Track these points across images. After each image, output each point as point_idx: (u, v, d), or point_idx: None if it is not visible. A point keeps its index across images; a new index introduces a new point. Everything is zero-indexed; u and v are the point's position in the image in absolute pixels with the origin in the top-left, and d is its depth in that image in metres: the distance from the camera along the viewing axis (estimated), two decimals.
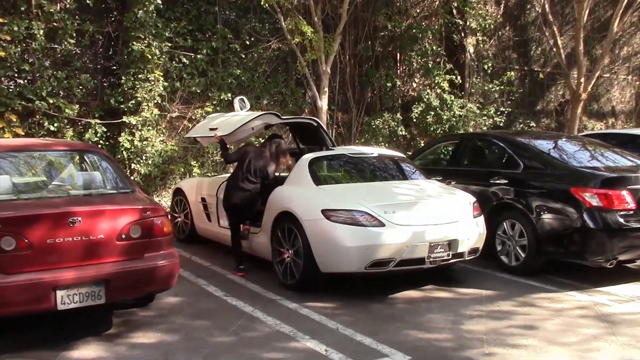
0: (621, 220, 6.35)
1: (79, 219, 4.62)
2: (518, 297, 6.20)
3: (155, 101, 10.18)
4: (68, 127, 9.76)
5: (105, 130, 9.97)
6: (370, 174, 7.13)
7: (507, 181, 7.25)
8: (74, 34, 9.74)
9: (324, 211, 6.02)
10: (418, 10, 13.49)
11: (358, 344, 4.89)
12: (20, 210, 4.57)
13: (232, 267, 7.13)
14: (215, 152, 11.06)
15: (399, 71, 13.32)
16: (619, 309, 5.84)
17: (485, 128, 13.75)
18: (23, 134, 9.22)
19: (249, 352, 4.72)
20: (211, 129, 7.49)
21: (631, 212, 6.41)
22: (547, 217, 6.71)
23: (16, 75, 9.45)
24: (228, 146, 7.41)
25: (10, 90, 9.23)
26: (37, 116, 9.50)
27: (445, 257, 6.20)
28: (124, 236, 4.82)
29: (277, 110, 11.75)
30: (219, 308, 5.85)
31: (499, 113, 14.21)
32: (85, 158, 5.80)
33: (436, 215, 6.20)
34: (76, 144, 7.27)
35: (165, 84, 10.31)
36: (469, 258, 6.51)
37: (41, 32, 9.28)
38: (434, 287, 6.53)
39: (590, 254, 6.48)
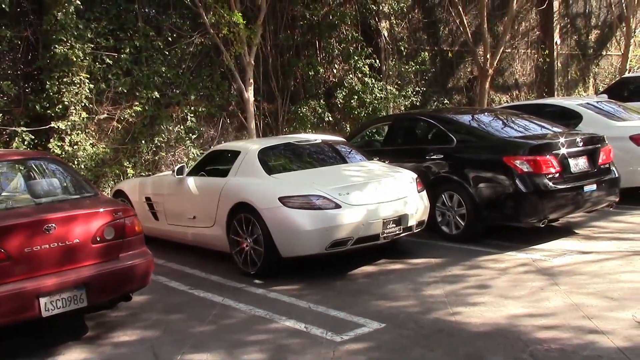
0: (549, 183, 6.97)
1: (54, 225, 4.67)
2: (465, 261, 6.70)
3: (83, 104, 10.02)
4: None
5: (32, 137, 9.71)
6: (318, 160, 7.43)
7: (442, 156, 7.73)
8: None
9: (281, 198, 6.26)
10: None
11: (333, 318, 5.21)
12: None
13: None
14: (147, 152, 11.02)
15: (319, 58, 13.63)
16: (554, 262, 6.44)
17: (403, 108, 14.36)
18: None
19: (233, 337, 4.94)
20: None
21: (557, 175, 7.06)
22: (483, 185, 7.26)
23: None
24: None
25: None
26: None
27: (397, 232, 6.62)
28: (98, 239, 4.90)
29: (205, 105, 11.87)
30: (188, 301, 6.00)
31: (414, 93, 14.84)
32: (42, 166, 5.76)
33: (386, 193, 6.59)
34: (29, 152, 7.15)
35: (91, 86, 10.15)
36: (416, 231, 6.96)
37: None
38: (387, 261, 6.94)
39: (524, 216, 7.08)
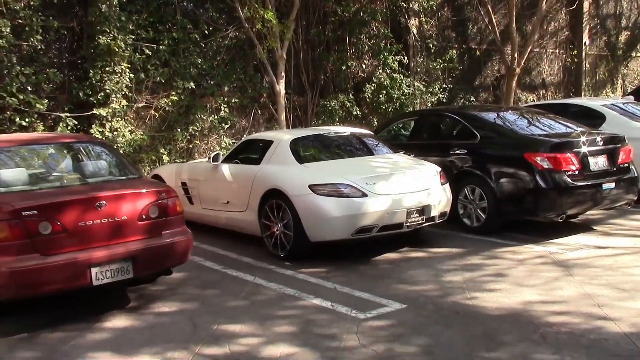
0: (568, 179, 7.26)
1: (105, 202, 5.11)
2: (484, 252, 7.02)
3: (123, 92, 10.51)
4: (38, 121, 9.99)
5: (75, 122, 10.23)
6: (346, 151, 7.80)
7: (465, 151, 8.04)
8: (40, 30, 9.93)
9: (311, 186, 6.64)
10: None
11: (358, 298, 5.59)
12: (53, 198, 5.02)
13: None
14: (182, 139, 11.50)
15: (349, 54, 13.99)
16: (570, 255, 6.74)
17: (430, 104, 14.65)
18: None
19: (264, 311, 5.34)
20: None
21: (576, 172, 7.33)
22: (504, 180, 7.56)
23: None
24: None
25: None
26: (8, 112, 9.68)
27: (420, 221, 6.96)
28: (144, 216, 5.34)
29: (237, 96, 12.31)
30: (222, 279, 6.42)
31: (441, 90, 15.12)
32: (91, 148, 6.22)
33: (410, 184, 6.93)
34: (80, 136, 7.66)
35: (132, 75, 10.64)
36: (439, 221, 7.29)
37: (7, 29, 9.44)
38: (409, 249, 7.29)
39: (543, 211, 7.37)
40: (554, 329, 4.69)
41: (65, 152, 6.10)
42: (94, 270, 4.98)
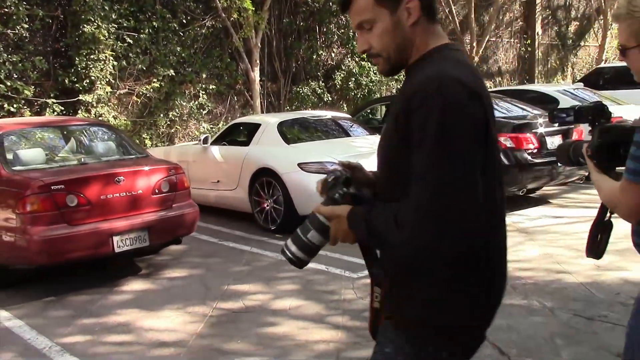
0: (528, 157, 8.08)
1: (123, 178, 5.66)
2: None
3: (107, 79, 10.93)
4: (25, 107, 10.34)
5: (62, 109, 10.62)
6: (329, 132, 8.46)
7: None
8: (26, 19, 10.27)
9: (299, 164, 7.28)
10: None
11: (348, 262, 6.27)
12: (77, 173, 5.54)
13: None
14: (163, 125, 11.97)
15: (319, 42, 14.63)
16: (531, 224, 7.57)
17: (394, 91, 15.41)
18: None
19: (266, 274, 5.98)
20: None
21: (535, 150, 8.16)
22: None
23: None
24: None
25: None
26: None
27: None
28: (157, 190, 5.90)
29: (214, 83, 12.82)
30: (221, 249, 7.03)
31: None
32: (100, 130, 6.74)
33: None
34: (88, 119, 8.08)
35: (115, 63, 11.06)
36: None
37: None
38: None
39: (506, 185, 8.16)
40: (521, 281, 5.46)
41: (78, 133, 6.59)
42: (115, 239, 5.53)
